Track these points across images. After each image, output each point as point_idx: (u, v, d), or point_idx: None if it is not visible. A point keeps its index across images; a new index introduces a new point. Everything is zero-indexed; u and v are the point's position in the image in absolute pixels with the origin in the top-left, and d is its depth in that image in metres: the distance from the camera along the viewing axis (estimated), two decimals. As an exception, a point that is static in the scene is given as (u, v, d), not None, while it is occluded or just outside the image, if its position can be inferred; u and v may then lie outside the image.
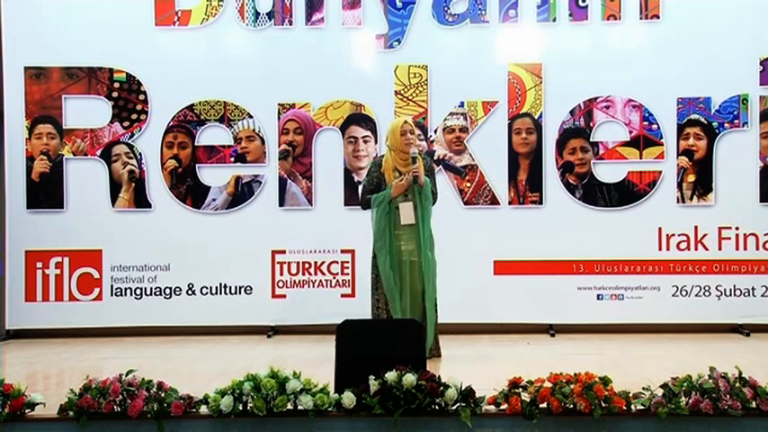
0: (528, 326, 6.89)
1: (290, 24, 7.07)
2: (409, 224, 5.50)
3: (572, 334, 6.80)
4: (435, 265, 5.57)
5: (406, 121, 5.60)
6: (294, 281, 7.04)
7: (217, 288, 7.06)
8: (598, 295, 6.94)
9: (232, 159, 7.10)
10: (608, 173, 6.95)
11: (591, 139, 6.97)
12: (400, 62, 7.02)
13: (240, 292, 7.05)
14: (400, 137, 5.52)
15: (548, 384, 3.90)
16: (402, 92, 7.03)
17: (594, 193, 6.96)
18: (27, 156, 7.07)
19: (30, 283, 7.03)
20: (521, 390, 3.92)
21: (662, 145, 6.92)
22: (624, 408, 3.85)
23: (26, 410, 4.01)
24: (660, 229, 6.91)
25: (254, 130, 7.08)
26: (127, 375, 4.00)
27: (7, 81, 7.08)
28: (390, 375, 3.90)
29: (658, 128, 6.92)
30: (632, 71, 6.93)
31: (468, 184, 7.01)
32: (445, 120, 7.03)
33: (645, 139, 6.91)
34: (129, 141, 7.10)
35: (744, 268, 6.86)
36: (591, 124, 6.98)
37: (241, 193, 7.08)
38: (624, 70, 6.94)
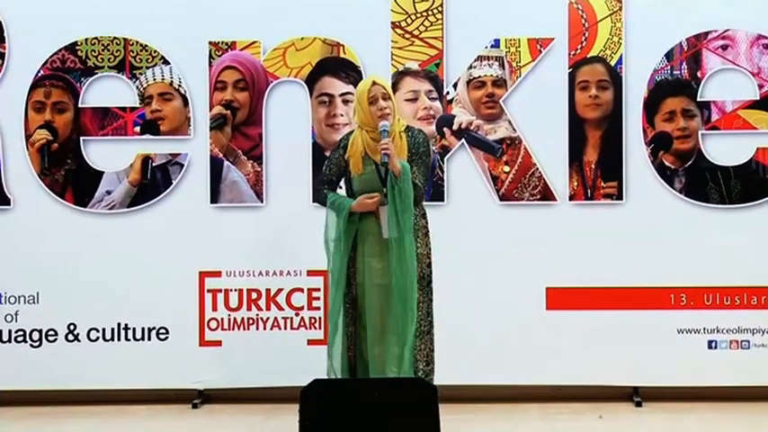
0: (599, 390, 6.82)
1: None
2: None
3: (669, 402, 6.76)
4: (414, 291, 5.50)
5: (374, 83, 5.62)
6: (234, 319, 6.93)
7: (113, 331, 6.93)
8: (710, 342, 6.82)
9: (137, 129, 6.97)
10: (726, 151, 6.82)
11: (699, 98, 6.85)
12: (400, -22, 7.00)
13: (149, 338, 6.95)
14: (368, 106, 5.55)
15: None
16: (403, 24, 6.92)
17: (704, 183, 6.84)
18: None
19: None
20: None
21: (809, 108, 6.90)
22: None
23: None
24: (807, 238, 6.91)
25: (171, 84, 6.98)
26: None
27: None
28: (385, 464, 3.82)
29: (804, 81, 6.91)
30: (763, -7, 6.94)
31: (507, 168, 6.87)
32: (471, 68, 6.92)
33: (784, 99, 6.81)
34: (-24, 102, 7.08)
35: None
36: (699, 75, 6.88)
37: (151, 182, 6.96)
38: (750, -9, 6.94)
